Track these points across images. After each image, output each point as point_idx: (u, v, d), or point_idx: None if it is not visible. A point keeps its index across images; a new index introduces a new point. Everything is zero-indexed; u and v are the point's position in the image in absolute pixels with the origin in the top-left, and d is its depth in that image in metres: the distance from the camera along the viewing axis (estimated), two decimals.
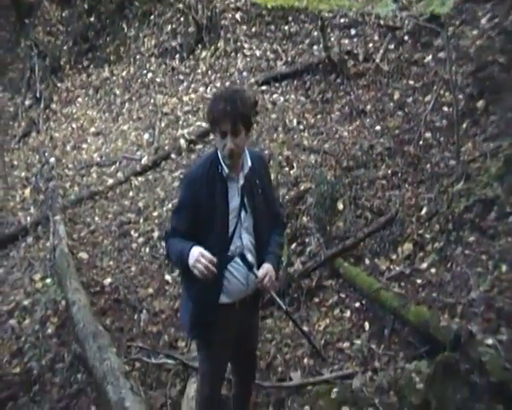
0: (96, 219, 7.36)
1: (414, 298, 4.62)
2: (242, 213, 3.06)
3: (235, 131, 2.89)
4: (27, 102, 11.61)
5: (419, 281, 4.86)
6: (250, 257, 3.09)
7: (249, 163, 3.06)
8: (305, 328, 4.85)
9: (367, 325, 4.77)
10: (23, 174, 9.18)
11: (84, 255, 6.57)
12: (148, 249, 6.51)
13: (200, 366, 3.54)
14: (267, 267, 3.03)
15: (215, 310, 3.11)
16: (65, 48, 12.50)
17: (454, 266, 4.76)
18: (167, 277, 5.95)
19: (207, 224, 3.00)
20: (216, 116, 2.90)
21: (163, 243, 3.13)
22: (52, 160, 9.25)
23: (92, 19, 12.55)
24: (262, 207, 3.12)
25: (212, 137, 8.12)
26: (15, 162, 9.79)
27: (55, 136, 10.24)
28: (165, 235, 3.17)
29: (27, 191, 8.53)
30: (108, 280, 6.04)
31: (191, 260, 2.84)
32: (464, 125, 6.08)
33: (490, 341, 3.78)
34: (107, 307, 5.68)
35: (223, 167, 3.00)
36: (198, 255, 2.82)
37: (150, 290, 5.81)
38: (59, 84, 11.81)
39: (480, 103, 6.18)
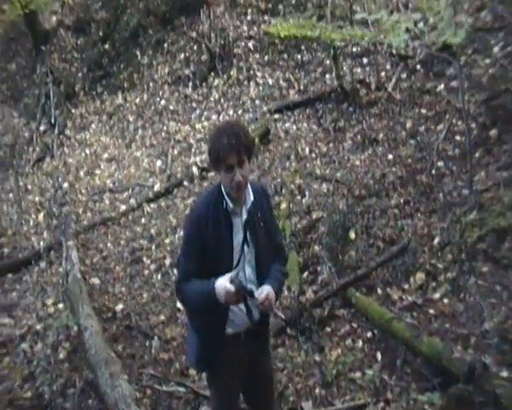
0: (109, 245, 7.37)
1: (426, 329, 4.60)
2: (245, 248, 3.04)
3: (240, 162, 2.88)
4: (42, 128, 11.75)
5: (432, 311, 4.83)
6: (253, 289, 3.03)
7: (251, 197, 3.05)
8: (317, 358, 4.83)
9: (379, 355, 4.72)
10: (37, 199, 9.23)
11: (96, 281, 6.59)
12: (159, 276, 6.51)
13: (211, 401, 3.52)
14: (265, 289, 2.97)
15: (221, 342, 3.08)
16: (79, 75, 12.71)
17: (467, 296, 4.74)
18: (179, 304, 5.93)
19: (214, 260, 2.99)
20: (221, 152, 2.86)
21: (174, 277, 3.08)
22: (65, 185, 9.33)
23: (106, 46, 12.79)
24: (264, 240, 3.11)
25: None
26: (29, 187, 9.85)
27: (69, 161, 10.33)
28: (177, 283, 3.10)
29: (41, 216, 8.57)
30: (120, 306, 6.03)
31: (222, 299, 2.84)
32: (477, 155, 6.10)
33: (504, 373, 3.77)
34: (118, 333, 5.66)
35: (227, 203, 2.99)
36: (228, 296, 2.83)
37: (162, 317, 5.79)
38: (73, 111, 11.96)
39: (493, 132, 6.21)
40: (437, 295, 4.94)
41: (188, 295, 3.03)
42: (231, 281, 2.84)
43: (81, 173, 9.76)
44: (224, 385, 3.22)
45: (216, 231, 2.98)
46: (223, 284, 2.83)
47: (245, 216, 3.03)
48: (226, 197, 2.99)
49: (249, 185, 3.05)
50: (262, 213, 3.10)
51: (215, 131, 3.11)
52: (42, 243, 7.63)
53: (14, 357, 5.55)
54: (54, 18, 13.81)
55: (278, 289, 3.10)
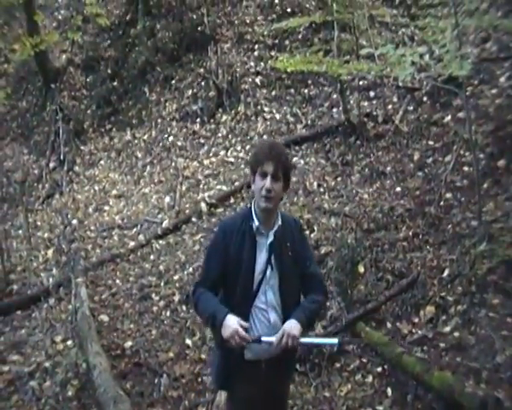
0: (118, 281, 7.37)
1: (437, 363, 4.55)
2: (268, 270, 3.10)
3: (275, 174, 3.04)
4: (51, 165, 11.90)
5: (442, 345, 4.78)
6: (274, 316, 3.11)
7: (279, 222, 3.15)
8: (327, 394, 4.78)
9: (389, 390, 4.68)
10: (46, 235, 9.28)
11: (105, 318, 6.57)
12: (168, 313, 6.48)
13: None
14: (286, 326, 3.00)
15: (239, 364, 3.12)
16: (88, 112, 12.89)
17: (478, 329, 4.70)
18: (188, 341, 5.91)
19: (234, 275, 3.08)
20: (260, 157, 3.08)
21: (190, 293, 3.22)
22: (74, 221, 9.39)
23: (115, 83, 12.97)
24: (289, 268, 3.15)
25: (232, 200, 8.21)
26: (39, 223, 9.94)
27: (78, 198, 10.42)
28: (195, 285, 3.22)
29: (50, 252, 8.61)
30: (129, 343, 6.01)
31: (226, 333, 2.93)
32: (485, 185, 6.08)
33: None
34: (127, 370, 5.62)
35: (254, 220, 3.11)
36: (233, 333, 2.91)
37: (171, 354, 5.76)
38: (82, 147, 12.10)
39: (501, 162, 6.20)
40: (447, 329, 4.89)
41: (198, 305, 3.15)
42: (241, 325, 2.92)
43: (90, 210, 9.82)
44: (240, 404, 3.24)
45: (239, 246, 3.10)
46: (235, 321, 2.93)
47: (271, 238, 3.12)
48: (254, 216, 3.12)
49: (280, 213, 3.20)
50: (291, 242, 3.17)
51: (261, 141, 3.30)
52: (51, 280, 7.65)
53: (22, 395, 5.54)
54: (64, 56, 14.05)
55: (308, 318, 3.12)
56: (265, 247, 3.12)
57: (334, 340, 3.55)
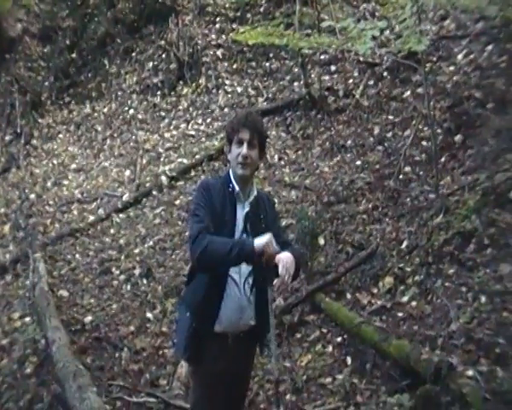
0: (77, 256, 7.28)
1: (395, 332, 4.63)
2: (245, 236, 3.10)
3: (251, 141, 3.09)
4: (7, 138, 11.54)
5: (400, 314, 4.88)
6: (247, 286, 3.11)
7: (255, 192, 3.20)
8: (288, 364, 4.83)
9: (349, 359, 4.76)
10: (2, 210, 9.05)
11: (64, 293, 6.50)
12: (129, 287, 6.46)
13: (193, 393, 3.44)
14: (284, 254, 2.95)
15: (209, 335, 3.10)
16: (46, 83, 12.52)
17: (434, 298, 4.80)
18: (148, 314, 5.90)
19: (217, 231, 3.03)
20: (236, 125, 3.13)
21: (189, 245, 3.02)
22: (32, 196, 9.20)
23: (74, 55, 12.64)
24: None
25: (193, 173, 8.17)
26: None
27: (36, 172, 10.19)
28: (199, 231, 2.97)
29: (6, 228, 8.42)
30: (89, 318, 5.96)
31: (262, 241, 2.89)
32: (443, 159, 6.18)
33: (470, 372, 3.82)
34: (87, 345, 5.58)
35: (234, 186, 3.12)
36: (270, 239, 2.90)
37: (131, 328, 5.74)
38: (40, 120, 11.79)
39: (458, 138, 6.30)
40: (405, 299, 4.99)
41: (212, 242, 2.94)
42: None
43: (48, 184, 9.63)
44: (206, 378, 3.20)
45: (222, 206, 3.09)
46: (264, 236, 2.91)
47: (247, 208, 3.14)
48: (233, 181, 3.13)
49: (255, 187, 3.25)
50: (264, 215, 3.20)
51: (237, 111, 3.29)
52: (8, 256, 7.54)
53: None
54: (19, 25, 13.59)
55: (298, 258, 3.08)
56: (242, 215, 3.14)
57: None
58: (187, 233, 3.27)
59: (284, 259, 2.91)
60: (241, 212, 3.13)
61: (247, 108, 3.12)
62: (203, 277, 3.09)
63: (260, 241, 2.90)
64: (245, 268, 3.09)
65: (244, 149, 3.07)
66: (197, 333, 3.12)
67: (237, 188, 3.12)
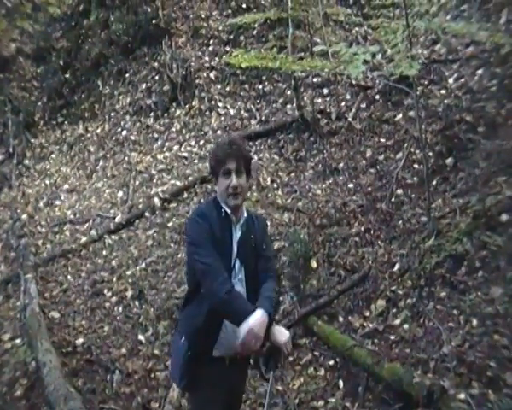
0: (69, 277, 7.25)
1: (387, 355, 4.65)
2: (237, 264, 3.09)
3: (239, 170, 3.04)
4: (0, 158, 11.57)
5: (392, 337, 4.90)
6: None
7: (245, 214, 3.17)
8: (280, 387, 4.82)
9: (341, 383, 4.77)
10: None
11: (55, 315, 6.46)
12: (121, 309, 6.42)
13: None
14: (284, 334, 3.05)
15: (208, 359, 3.07)
16: (39, 104, 12.61)
17: (426, 321, 4.82)
18: (140, 337, 5.87)
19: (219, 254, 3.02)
20: (221, 156, 3.04)
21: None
22: (24, 216, 9.17)
23: (67, 75, 12.72)
24: (252, 263, 3.15)
25: (185, 195, 8.17)
26: None
27: (28, 192, 10.20)
28: (216, 276, 2.93)
29: None
30: (81, 340, 5.92)
31: (243, 333, 2.86)
32: (434, 182, 6.23)
33: (462, 396, 3.84)
34: (79, 367, 5.54)
35: (225, 210, 3.09)
36: (252, 336, 2.86)
37: (123, 351, 5.71)
38: (32, 140, 11.84)
39: (449, 160, 6.35)
40: (397, 321, 5.01)
41: (235, 302, 2.94)
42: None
43: (40, 204, 9.63)
44: (204, 403, 3.16)
45: (220, 230, 3.06)
46: (257, 324, 2.87)
47: (239, 233, 3.12)
48: (224, 206, 3.09)
49: (244, 209, 3.20)
50: (254, 234, 3.17)
51: (218, 141, 3.25)
52: None
53: None
54: (13, 45, 13.63)
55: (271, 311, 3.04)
56: (236, 239, 3.12)
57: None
58: (184, 257, 3.24)
59: (285, 342, 3.00)
60: (235, 235, 3.12)
61: (226, 136, 3.09)
62: (203, 303, 3.02)
63: (281, 336, 2.99)
64: (240, 289, 3.07)
65: (234, 181, 3.02)
66: (193, 360, 3.07)
67: (229, 211, 3.09)
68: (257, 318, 2.88)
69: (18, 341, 6.04)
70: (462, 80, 7.12)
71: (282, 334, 3.03)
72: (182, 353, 3.11)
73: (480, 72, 6.87)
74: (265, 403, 3.19)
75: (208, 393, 3.09)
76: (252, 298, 3.08)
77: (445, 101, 7.07)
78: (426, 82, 7.65)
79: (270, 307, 2.98)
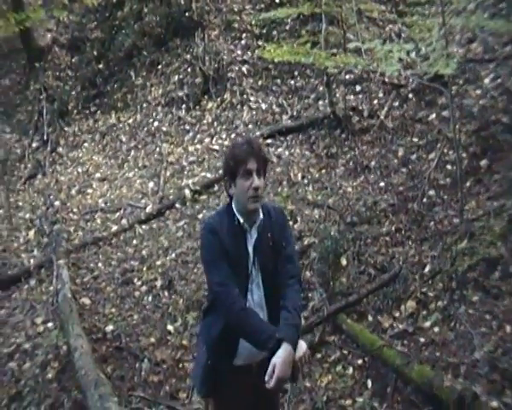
0: (100, 265, 7.35)
1: (417, 357, 4.62)
2: (254, 270, 2.99)
3: (258, 171, 2.90)
4: (34, 145, 11.79)
5: (422, 339, 4.86)
6: (262, 315, 2.97)
7: (261, 215, 3.02)
8: (308, 384, 4.84)
9: (369, 382, 4.74)
10: (28, 216, 9.21)
11: (86, 301, 6.57)
12: (150, 298, 6.49)
13: None
14: (300, 348, 2.87)
15: (229, 368, 3.02)
16: (73, 93, 12.77)
17: (457, 325, 4.78)
18: (169, 327, 5.93)
19: (233, 269, 2.93)
20: (241, 157, 2.88)
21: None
22: (57, 203, 9.32)
23: (101, 65, 12.86)
24: (271, 262, 3.02)
25: (216, 188, 8.21)
26: (20, 204, 9.86)
27: (61, 179, 10.35)
28: (230, 305, 2.87)
29: (31, 233, 8.55)
30: (110, 327, 6.02)
31: (280, 361, 2.74)
32: (468, 184, 6.16)
33: (494, 403, 3.81)
34: (108, 354, 5.63)
35: (239, 218, 2.96)
36: (287, 364, 2.76)
37: (152, 340, 5.77)
38: (66, 128, 12.00)
39: (484, 162, 6.27)
40: (427, 324, 4.97)
41: (247, 323, 2.86)
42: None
43: (73, 192, 9.76)
44: None
45: (233, 241, 2.93)
46: (285, 363, 2.75)
47: (255, 236, 3.00)
48: (237, 213, 2.97)
49: (260, 209, 3.03)
50: (272, 232, 3.04)
51: (234, 141, 3.15)
52: (32, 261, 7.62)
53: (1, 376, 5.54)
54: (49, 35, 13.90)
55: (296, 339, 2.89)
56: (252, 244, 3.00)
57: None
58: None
59: (301, 358, 2.85)
60: (251, 241, 3.01)
61: (242, 138, 2.98)
62: (220, 316, 2.96)
63: (298, 351, 2.82)
64: (259, 298, 3.02)
65: (256, 181, 2.87)
66: (213, 369, 3.04)
67: (242, 220, 2.97)
68: (283, 361, 2.75)
69: (50, 324, 6.17)
70: (499, 80, 7.01)
71: (298, 349, 2.86)
72: (203, 361, 3.10)
73: None
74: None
75: (230, 401, 3.07)
76: (270, 303, 3.02)
77: (481, 101, 6.98)
78: (461, 81, 7.55)
79: (293, 334, 2.85)
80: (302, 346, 2.90)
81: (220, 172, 8.46)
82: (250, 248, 3.00)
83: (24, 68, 13.62)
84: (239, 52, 10.93)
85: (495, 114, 6.58)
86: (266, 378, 2.75)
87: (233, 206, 3.01)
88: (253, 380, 3.02)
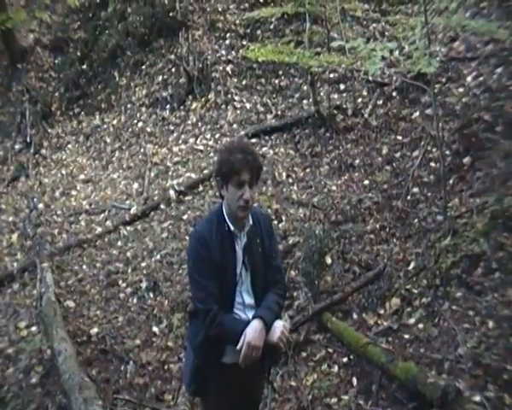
0: (84, 267, 7.29)
1: (401, 354, 4.63)
2: (243, 272, 3.03)
3: (251, 182, 2.92)
4: (17, 147, 11.67)
5: (406, 336, 4.87)
6: (251, 315, 3.01)
7: (250, 221, 3.06)
8: (293, 383, 4.83)
9: (355, 380, 4.76)
10: (11, 219, 9.13)
11: (71, 304, 6.51)
12: (135, 300, 6.46)
13: None
14: (276, 326, 2.97)
15: (216, 369, 3.04)
16: (56, 94, 12.68)
17: (441, 321, 4.80)
18: (155, 328, 5.91)
19: (220, 278, 2.97)
20: (236, 166, 2.87)
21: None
22: (40, 205, 9.25)
23: (84, 66, 12.78)
24: (260, 265, 3.08)
25: (201, 188, 8.18)
26: (3, 207, 9.75)
27: (45, 181, 10.27)
28: (205, 306, 2.94)
29: (15, 237, 8.47)
30: (95, 330, 5.98)
31: (247, 340, 2.86)
32: (451, 181, 6.18)
33: (477, 398, 3.82)
34: (93, 357, 5.60)
35: (229, 225, 2.99)
36: (253, 345, 2.86)
37: (137, 342, 5.75)
38: (49, 130, 11.92)
39: (467, 160, 6.29)
40: (412, 321, 4.99)
41: (223, 328, 2.94)
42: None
43: (57, 194, 9.70)
44: (216, 407, 3.18)
45: (221, 248, 2.96)
46: (254, 336, 2.86)
47: (244, 240, 3.04)
48: (227, 220, 2.99)
49: (249, 215, 3.07)
50: (261, 238, 3.09)
51: (228, 145, 3.12)
52: (15, 265, 7.57)
53: None
54: (31, 36, 13.75)
55: (270, 320, 2.98)
56: (241, 248, 3.03)
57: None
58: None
59: (279, 337, 2.94)
60: (240, 246, 3.04)
61: (235, 140, 2.94)
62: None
63: (273, 333, 2.93)
64: (249, 300, 3.07)
65: (247, 194, 2.88)
66: (201, 368, 3.07)
67: (232, 227, 3.00)
68: (253, 330, 2.88)
69: (34, 329, 6.12)
70: (481, 79, 7.04)
71: (273, 331, 2.95)
72: (190, 360, 3.15)
73: (499, 70, 6.80)
74: (268, 400, 3.15)
75: (219, 398, 3.09)
76: (260, 304, 3.06)
77: (463, 99, 7.01)
78: (444, 80, 7.59)
79: (266, 313, 2.95)
80: (279, 325, 2.97)
81: (205, 172, 8.49)
82: (239, 251, 3.03)
83: (6, 70, 13.47)
84: (223, 52, 10.91)
85: (477, 111, 6.60)
86: (238, 347, 2.85)
87: (223, 207, 3.04)
88: (240, 379, 3.05)
